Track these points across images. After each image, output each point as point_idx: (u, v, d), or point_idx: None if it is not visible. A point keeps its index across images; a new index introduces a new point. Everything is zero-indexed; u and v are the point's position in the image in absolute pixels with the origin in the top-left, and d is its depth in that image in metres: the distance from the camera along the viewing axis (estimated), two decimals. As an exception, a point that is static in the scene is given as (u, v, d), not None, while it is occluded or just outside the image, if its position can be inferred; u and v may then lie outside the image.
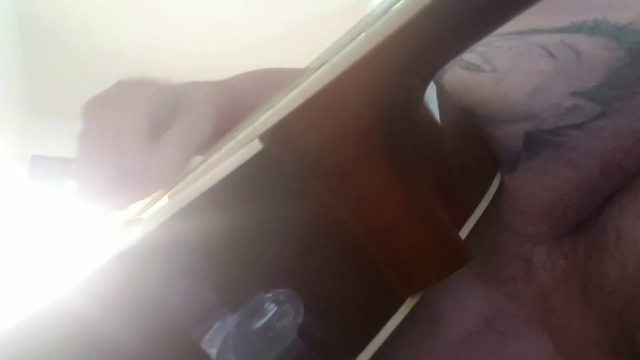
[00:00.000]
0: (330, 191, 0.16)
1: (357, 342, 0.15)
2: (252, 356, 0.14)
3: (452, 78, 0.26)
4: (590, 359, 0.19)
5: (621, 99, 0.21)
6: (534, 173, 0.22)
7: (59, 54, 1.90)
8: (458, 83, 0.25)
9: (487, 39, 0.26)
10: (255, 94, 0.33)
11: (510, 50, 0.25)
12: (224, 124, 0.29)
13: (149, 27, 1.82)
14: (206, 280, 0.14)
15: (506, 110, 0.23)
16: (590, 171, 0.21)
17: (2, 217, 1.66)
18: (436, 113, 0.20)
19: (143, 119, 0.26)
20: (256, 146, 0.15)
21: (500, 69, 0.25)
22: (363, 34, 0.15)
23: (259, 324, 0.14)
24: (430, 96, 0.20)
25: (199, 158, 0.27)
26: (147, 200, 0.27)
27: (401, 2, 0.14)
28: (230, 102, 0.32)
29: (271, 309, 0.14)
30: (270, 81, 0.37)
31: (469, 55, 0.26)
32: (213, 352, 0.13)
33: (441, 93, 0.22)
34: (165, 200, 0.22)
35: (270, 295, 0.14)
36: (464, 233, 0.19)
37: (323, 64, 0.16)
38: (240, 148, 0.15)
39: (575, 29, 0.25)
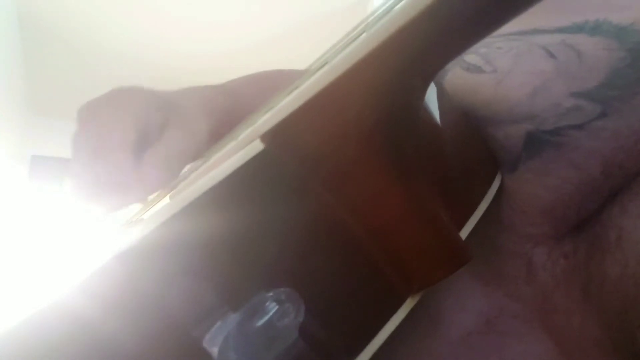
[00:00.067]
0: (330, 191, 0.16)
1: (357, 342, 0.15)
2: (253, 355, 0.14)
3: (453, 79, 0.26)
4: (591, 359, 0.19)
5: (622, 100, 0.21)
6: (535, 173, 0.22)
7: (59, 54, 1.90)
8: (459, 84, 0.25)
9: (488, 40, 0.26)
10: (255, 96, 0.33)
11: (511, 50, 0.25)
12: (223, 128, 0.29)
13: (149, 27, 1.82)
14: (207, 279, 0.14)
15: (507, 110, 0.23)
16: (590, 171, 0.21)
17: (2, 217, 1.66)
18: (437, 114, 0.20)
19: (132, 129, 0.26)
20: (257, 146, 0.15)
21: (501, 69, 0.25)
22: (364, 35, 0.15)
23: (260, 323, 0.14)
24: (431, 97, 0.20)
25: (193, 164, 0.27)
26: (148, 200, 0.27)
27: (402, 2, 0.14)
28: (230, 106, 0.33)
29: (272, 308, 0.14)
30: (270, 83, 0.38)
31: (470, 56, 0.26)
32: (214, 350, 0.13)
33: (442, 94, 0.22)
34: (166, 200, 0.22)
35: (271, 294, 0.14)
36: (464, 233, 0.19)
37: (324, 65, 0.16)
38: (241, 148, 0.15)
39: (577, 29, 0.25)
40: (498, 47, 0.26)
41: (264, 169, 0.15)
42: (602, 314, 0.19)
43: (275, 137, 0.15)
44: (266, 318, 0.14)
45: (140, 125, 0.26)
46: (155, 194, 0.26)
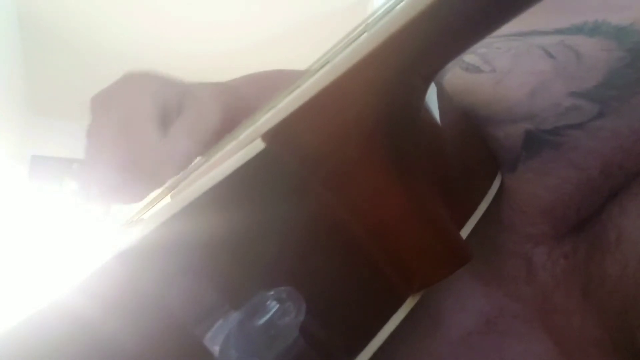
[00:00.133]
0: (331, 191, 0.16)
1: (358, 341, 0.15)
2: (254, 353, 0.14)
3: (453, 79, 0.26)
4: (591, 359, 0.19)
5: (621, 99, 0.21)
6: (534, 173, 0.22)
7: (59, 54, 1.90)
8: (458, 84, 0.25)
9: (487, 40, 0.26)
10: (256, 96, 0.34)
11: (510, 51, 0.25)
12: (225, 126, 0.29)
13: (149, 27, 1.82)
14: (208, 279, 0.14)
15: (506, 110, 0.23)
16: (590, 171, 0.21)
17: (2, 217, 1.66)
18: (437, 113, 0.20)
19: (153, 106, 0.26)
20: (258, 146, 0.15)
21: (500, 69, 0.25)
22: (365, 35, 0.15)
23: (261, 321, 0.14)
24: (431, 97, 0.20)
25: (200, 158, 0.27)
26: (148, 200, 0.27)
27: (403, 2, 0.14)
28: (232, 104, 0.33)
29: (273, 306, 0.14)
30: (271, 83, 0.38)
31: (469, 57, 0.26)
32: (216, 349, 0.13)
33: (442, 94, 0.22)
34: (167, 199, 0.22)
35: (272, 293, 0.14)
36: (464, 233, 0.19)
37: (325, 64, 0.16)
38: (241, 148, 0.15)
39: (576, 30, 0.25)
40: (497, 47, 0.26)
41: (264, 169, 0.15)
42: (602, 314, 0.19)
43: (276, 136, 0.15)
44: (267, 317, 0.14)
45: (159, 102, 0.26)
46: (181, 171, 0.26)
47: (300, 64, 0.40)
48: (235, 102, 0.33)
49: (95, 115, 0.27)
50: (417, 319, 0.20)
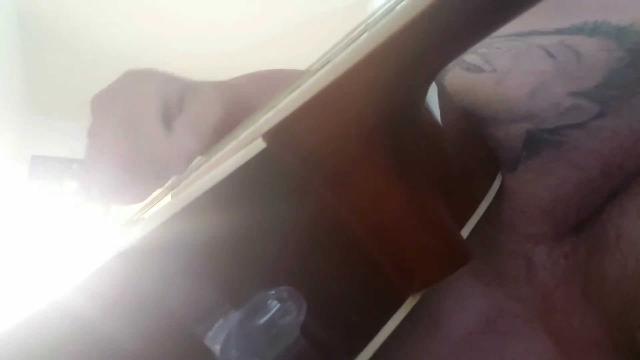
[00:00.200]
0: (331, 190, 0.16)
1: (358, 341, 0.15)
2: (255, 353, 0.14)
3: (453, 79, 0.26)
4: (591, 359, 0.19)
5: (621, 99, 0.21)
6: (534, 173, 0.22)
7: (59, 54, 1.90)
8: (459, 84, 0.25)
9: (488, 41, 0.27)
10: (257, 95, 0.34)
11: (510, 51, 0.25)
12: (226, 124, 0.29)
13: (149, 27, 1.82)
14: (208, 278, 0.14)
15: (506, 110, 0.23)
16: (590, 171, 0.21)
17: (2, 217, 1.66)
18: (437, 113, 0.20)
19: (157, 105, 0.26)
20: (259, 145, 0.15)
21: (501, 69, 0.25)
22: (365, 34, 0.15)
23: (261, 321, 0.14)
24: (432, 96, 0.20)
25: (200, 158, 0.27)
26: (149, 200, 0.27)
27: (404, 2, 0.14)
28: (233, 102, 0.33)
29: (274, 306, 0.14)
30: (272, 82, 0.38)
31: (470, 57, 0.26)
32: (216, 348, 0.13)
33: (442, 93, 0.22)
34: (167, 199, 0.22)
35: (273, 292, 0.14)
36: (465, 233, 0.19)
37: (326, 64, 0.16)
38: (242, 147, 0.15)
39: (576, 30, 0.25)
40: (497, 47, 0.26)
41: (265, 168, 0.15)
42: (602, 314, 0.19)
43: (277, 136, 0.15)
44: (268, 316, 0.14)
45: (162, 99, 0.26)
46: (189, 164, 0.26)
47: (300, 64, 0.40)
48: (236, 101, 0.33)
49: (96, 115, 0.27)
50: (418, 318, 0.20)
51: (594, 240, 0.20)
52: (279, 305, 0.14)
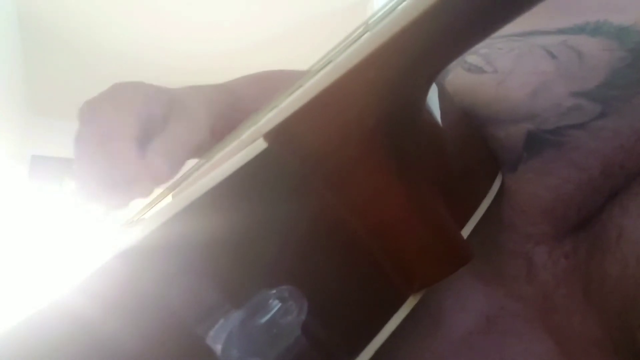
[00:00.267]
0: (332, 190, 0.16)
1: (359, 341, 0.15)
2: (256, 352, 0.14)
3: (454, 79, 0.26)
4: (591, 358, 0.19)
5: (622, 99, 0.21)
6: (535, 173, 0.22)
7: (59, 54, 1.90)
8: (460, 84, 0.25)
9: (489, 41, 0.27)
10: (257, 96, 0.33)
11: (512, 51, 0.25)
12: (225, 127, 0.29)
13: (149, 27, 1.82)
14: (209, 278, 0.14)
15: (507, 110, 0.23)
16: (591, 171, 0.21)
17: (2, 217, 1.66)
18: (438, 114, 0.20)
19: (135, 123, 0.26)
20: (260, 145, 0.15)
21: (502, 70, 0.25)
22: (367, 34, 0.15)
23: (263, 320, 0.14)
24: (432, 97, 0.20)
25: (195, 161, 0.27)
26: (150, 199, 0.27)
27: (405, 3, 0.14)
28: (231, 105, 0.33)
29: (275, 305, 0.14)
30: (272, 83, 0.38)
31: (471, 57, 0.26)
32: (218, 348, 0.13)
33: (443, 94, 0.22)
34: (169, 199, 0.22)
35: (274, 292, 0.14)
36: (465, 232, 0.19)
37: (328, 64, 0.16)
38: (243, 147, 0.15)
39: (578, 30, 0.25)
40: (499, 47, 0.26)
41: (266, 168, 0.15)
42: (602, 314, 0.19)
43: (278, 136, 0.15)
44: (269, 316, 0.14)
45: (143, 118, 0.26)
46: (159, 188, 0.26)
47: (300, 64, 0.40)
48: (235, 103, 0.33)
49: (81, 123, 0.27)
50: (418, 318, 0.20)
51: (595, 240, 0.20)
52: (280, 304, 0.14)
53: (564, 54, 0.24)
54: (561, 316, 0.20)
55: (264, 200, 0.15)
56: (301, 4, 1.75)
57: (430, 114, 0.20)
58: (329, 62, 0.16)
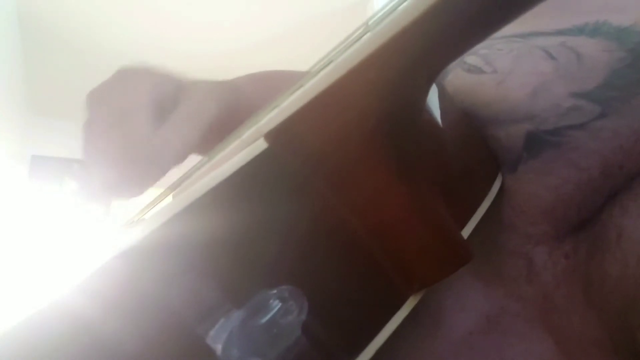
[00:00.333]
0: (332, 190, 0.16)
1: (359, 341, 0.15)
2: (257, 352, 0.14)
3: (454, 80, 0.26)
4: (591, 358, 0.19)
5: (622, 100, 0.21)
6: (535, 173, 0.22)
7: (59, 54, 1.90)
8: (460, 84, 0.25)
9: (489, 42, 0.27)
10: (258, 95, 0.33)
11: (512, 52, 0.25)
12: (226, 124, 0.29)
13: (149, 27, 1.82)
14: (210, 277, 0.14)
15: (507, 110, 0.23)
16: (591, 171, 0.21)
17: (2, 217, 1.66)
18: (438, 114, 0.20)
19: (148, 101, 0.26)
20: (261, 145, 0.15)
21: (501, 70, 0.25)
22: (368, 35, 0.15)
23: (263, 320, 0.14)
24: (432, 97, 0.20)
25: (195, 161, 0.27)
26: (150, 199, 0.27)
27: (405, 3, 0.14)
28: (233, 102, 0.32)
29: (275, 305, 0.14)
30: (273, 83, 0.38)
31: (471, 58, 0.27)
32: (218, 347, 0.13)
33: (442, 95, 0.22)
34: (169, 199, 0.22)
35: (274, 291, 0.14)
36: (466, 233, 0.19)
37: (328, 64, 0.16)
38: (244, 147, 0.15)
39: (577, 31, 0.25)
40: (499, 48, 0.26)
41: (267, 168, 0.15)
42: (602, 314, 0.19)
43: (279, 136, 0.15)
44: (269, 315, 0.14)
45: (155, 96, 0.26)
46: (174, 168, 0.26)
47: (300, 64, 0.40)
48: (237, 101, 0.33)
49: (90, 110, 0.27)
50: (419, 318, 0.20)
51: (595, 240, 0.20)
52: (280, 304, 0.14)
53: (563, 55, 0.24)
54: (561, 316, 0.20)
55: (264, 200, 0.15)
56: (301, 4, 1.75)
57: (430, 114, 0.20)
58: (330, 62, 0.16)
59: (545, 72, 0.23)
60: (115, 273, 0.13)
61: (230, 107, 0.31)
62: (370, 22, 0.18)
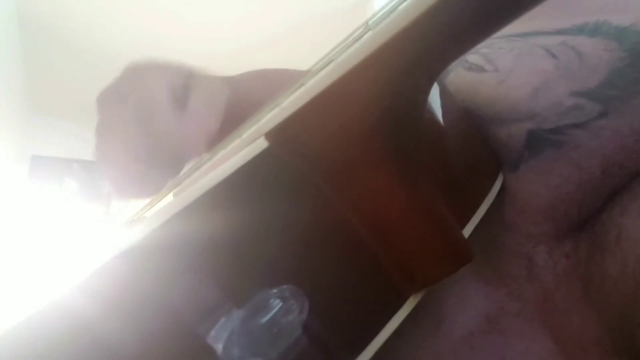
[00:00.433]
0: (333, 190, 0.16)
1: (360, 340, 0.15)
2: (257, 351, 0.14)
3: (455, 79, 0.26)
4: (591, 358, 0.19)
5: (622, 99, 0.21)
6: (536, 172, 0.22)
7: (59, 54, 1.90)
8: (461, 83, 0.26)
9: (490, 41, 0.27)
10: (259, 91, 0.33)
11: (513, 51, 0.25)
12: (230, 119, 0.29)
13: (149, 27, 1.82)
14: (211, 277, 0.14)
15: (508, 109, 0.23)
16: (591, 170, 0.21)
17: (2, 217, 1.66)
18: (439, 113, 0.20)
19: (165, 95, 0.26)
20: (261, 144, 0.15)
21: (503, 69, 0.25)
22: (369, 34, 0.15)
23: (264, 319, 0.14)
24: (433, 96, 0.20)
25: (195, 163, 0.27)
26: (151, 199, 0.27)
27: (406, 2, 0.14)
28: (237, 97, 0.32)
29: (276, 304, 0.14)
30: (274, 80, 0.38)
31: (472, 57, 0.27)
32: (219, 347, 0.13)
33: (444, 93, 0.22)
34: (170, 198, 0.22)
35: (275, 291, 0.14)
36: (467, 232, 0.19)
37: (329, 64, 0.16)
38: (245, 146, 0.15)
39: (577, 30, 0.25)
40: (500, 47, 0.26)
41: (267, 167, 0.15)
42: (602, 313, 0.19)
43: (279, 135, 0.15)
44: (270, 315, 0.14)
45: (170, 87, 0.26)
46: (206, 145, 0.26)
47: (301, 64, 0.40)
48: (240, 96, 0.33)
49: (104, 111, 0.27)
50: (419, 318, 0.20)
51: (595, 240, 0.21)
52: (281, 304, 0.14)
53: (564, 54, 0.24)
54: (561, 316, 0.20)
55: (265, 199, 0.15)
56: (301, 4, 1.75)
57: (431, 113, 0.20)
58: (330, 62, 0.16)
59: (546, 70, 0.23)
60: (116, 273, 0.13)
61: (231, 103, 0.31)
62: (370, 22, 0.18)
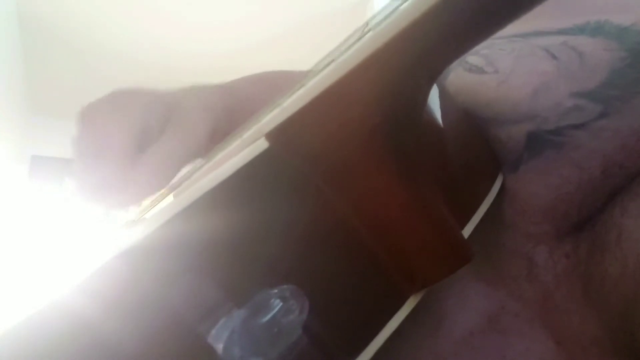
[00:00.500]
0: (333, 190, 0.16)
1: (360, 340, 0.15)
2: (258, 351, 0.14)
3: (455, 79, 0.26)
4: (591, 358, 0.19)
5: (622, 99, 0.21)
6: (536, 173, 0.22)
7: (59, 54, 1.91)
8: (461, 84, 0.26)
9: (490, 42, 0.27)
10: (258, 96, 0.34)
11: (513, 52, 0.26)
12: (226, 129, 0.29)
13: (149, 27, 1.82)
14: (211, 277, 0.14)
15: (508, 110, 0.23)
16: (591, 171, 0.21)
17: (2, 217, 1.66)
18: (438, 114, 0.20)
19: (131, 130, 0.26)
20: (262, 145, 0.15)
21: (503, 70, 0.25)
22: (369, 34, 0.15)
23: (264, 319, 0.14)
24: (433, 97, 0.20)
25: (196, 164, 0.27)
26: (151, 199, 0.27)
27: (407, 3, 0.14)
28: (232, 105, 0.33)
29: (277, 304, 0.14)
30: (274, 84, 0.38)
31: (472, 58, 0.27)
32: (219, 347, 0.13)
33: (443, 94, 0.22)
34: (170, 199, 0.22)
35: (275, 291, 0.14)
36: (466, 232, 0.19)
37: (329, 64, 0.16)
38: (245, 147, 0.15)
39: (578, 30, 0.25)
40: (500, 48, 0.26)
41: (268, 168, 0.15)
42: (602, 313, 0.19)
43: (279, 135, 0.15)
44: (271, 315, 0.14)
45: (140, 126, 0.27)
46: (150, 197, 0.27)
47: (300, 64, 0.40)
48: (236, 104, 0.33)
49: (80, 128, 0.28)
50: (419, 317, 0.20)
51: (595, 240, 0.21)
52: (281, 303, 0.14)
53: (565, 54, 0.24)
54: (561, 315, 0.20)
55: (265, 199, 0.15)
56: (301, 4, 1.75)
57: (431, 114, 0.20)
58: (331, 62, 0.16)
59: (546, 71, 0.23)
60: (116, 273, 0.13)
61: (230, 111, 0.31)
62: (370, 22, 0.18)
